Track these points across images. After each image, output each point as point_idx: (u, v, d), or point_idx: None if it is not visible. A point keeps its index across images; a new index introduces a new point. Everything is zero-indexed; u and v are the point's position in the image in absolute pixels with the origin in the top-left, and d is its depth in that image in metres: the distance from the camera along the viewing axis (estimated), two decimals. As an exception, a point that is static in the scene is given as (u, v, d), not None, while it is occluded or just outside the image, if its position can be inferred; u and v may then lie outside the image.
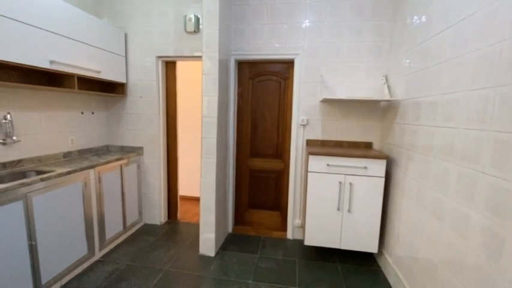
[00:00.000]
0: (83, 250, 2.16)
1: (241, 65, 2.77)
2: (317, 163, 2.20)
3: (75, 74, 2.16)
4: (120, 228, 2.62)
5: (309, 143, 2.63)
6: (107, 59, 2.53)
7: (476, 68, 1.24)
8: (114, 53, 2.64)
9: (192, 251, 2.49)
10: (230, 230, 2.93)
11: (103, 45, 2.47)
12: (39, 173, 1.96)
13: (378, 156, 2.12)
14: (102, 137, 2.93)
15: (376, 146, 2.55)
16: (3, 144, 1.89)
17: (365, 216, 2.19)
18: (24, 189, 1.64)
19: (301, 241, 2.72)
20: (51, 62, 1.93)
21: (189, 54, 2.76)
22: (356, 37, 2.46)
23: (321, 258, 2.42)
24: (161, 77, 2.90)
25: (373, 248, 2.22)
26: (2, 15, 1.60)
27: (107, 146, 2.99)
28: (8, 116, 1.86)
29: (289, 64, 2.68)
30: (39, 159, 2.16)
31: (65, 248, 1.97)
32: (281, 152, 2.82)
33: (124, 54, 2.80)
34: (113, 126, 2.98)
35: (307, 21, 2.52)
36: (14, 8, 1.67)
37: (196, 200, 3.88)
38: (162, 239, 2.72)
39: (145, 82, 2.86)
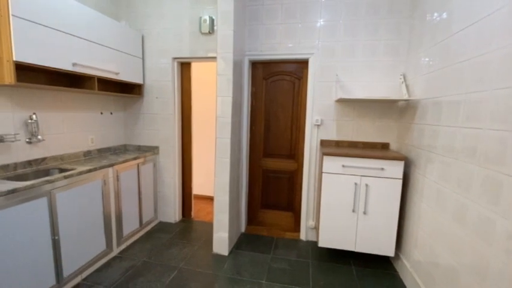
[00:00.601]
0: (102, 246, 2.23)
1: (255, 65, 2.78)
2: (332, 164, 2.17)
3: (96, 75, 2.24)
4: (137, 225, 2.70)
5: (323, 143, 2.60)
6: (125, 60, 2.61)
7: (501, 66, 1.19)
8: (132, 55, 2.71)
9: (205, 250, 2.52)
10: (243, 229, 2.94)
11: (121, 47, 2.54)
12: (61, 170, 2.04)
13: (396, 157, 2.07)
14: (120, 136, 3.02)
15: (393, 146, 2.49)
16: (29, 143, 1.98)
17: (381, 218, 2.14)
18: (48, 186, 1.71)
19: (315, 242, 2.69)
20: (74, 64, 2.02)
21: (203, 55, 2.80)
22: (372, 35, 2.41)
23: (335, 260, 2.39)
24: (176, 77, 2.96)
25: (389, 251, 2.16)
26: (30, 21, 1.69)
27: (125, 145, 3.07)
28: (34, 116, 1.96)
29: (303, 64, 2.66)
30: (61, 158, 2.26)
31: (85, 244, 2.04)
32: (294, 153, 2.80)
33: (141, 56, 2.88)
34: (130, 126, 3.07)
35: (321, 20, 2.50)
36: (41, 14, 1.76)
37: (209, 199, 3.93)
38: (176, 237, 2.77)
39: (161, 83, 2.93)
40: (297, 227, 2.87)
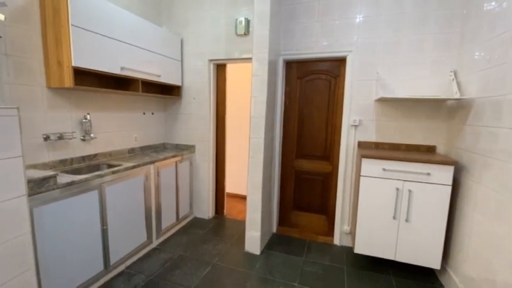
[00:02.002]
0: (143, 237, 2.38)
1: (290, 64, 2.75)
2: (371, 167, 2.06)
3: (140, 78, 2.40)
4: (174, 219, 2.83)
5: (361, 145, 2.48)
6: (166, 63, 2.76)
7: None
8: (172, 58, 2.85)
9: (238, 248, 2.56)
10: (274, 230, 2.93)
11: (163, 51, 2.69)
12: (110, 166, 2.23)
13: (445, 161, 1.90)
14: (160, 135, 3.20)
15: (440, 149, 2.28)
16: (83, 140, 2.19)
17: (426, 227, 1.98)
18: (99, 180, 1.88)
19: (350, 248, 2.59)
20: (122, 68, 2.18)
21: (238, 57, 2.84)
22: (419, 29, 2.23)
23: (373, 268, 2.26)
24: (212, 79, 3.04)
25: (435, 263, 1.99)
26: (86, 29, 1.86)
27: (164, 144, 3.25)
28: (88, 116, 2.16)
29: (340, 62, 2.56)
30: (109, 154, 2.46)
31: (128, 234, 2.20)
32: (329, 154, 2.72)
33: (180, 59, 3.01)
34: (169, 126, 3.23)
35: (361, 16, 2.38)
36: (95, 23, 1.93)
37: (241, 197, 3.98)
38: (210, 233, 2.85)
39: (198, 84, 3.04)
40: (330, 231, 2.78)
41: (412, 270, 2.23)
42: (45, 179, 1.51)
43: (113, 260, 2.05)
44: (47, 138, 1.90)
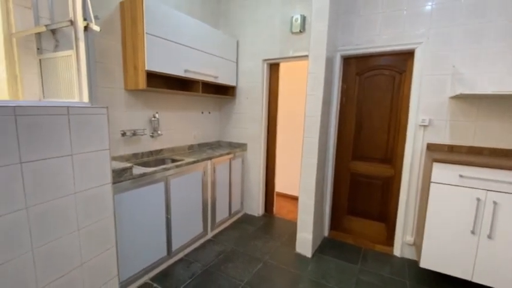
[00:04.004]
0: (199, 229, 2.54)
1: (347, 60, 2.61)
2: (445, 173, 1.82)
3: (200, 80, 2.56)
4: (226, 214, 2.96)
5: (431, 147, 2.21)
6: (223, 65, 2.88)
7: None
8: (228, 60, 2.97)
9: (288, 248, 2.54)
10: (326, 233, 2.82)
11: (220, 54, 2.82)
12: (173, 160, 2.43)
13: (546, 170, 1.57)
14: (215, 133, 3.37)
15: (538, 156, 1.90)
16: (152, 136, 2.43)
17: (517, 247, 1.66)
18: (165, 173, 2.06)
19: (413, 261, 2.34)
20: (186, 70, 2.35)
21: (292, 55, 2.81)
22: (510, 14, 1.88)
23: (440, 287, 2.01)
24: (265, 78, 3.07)
25: (528, 292, 1.66)
26: (157, 36, 2.06)
27: (218, 141, 3.41)
28: (156, 115, 2.39)
29: (406, 55, 2.33)
30: (172, 150, 2.69)
31: (187, 225, 2.37)
32: (391, 157, 2.49)
33: (235, 60, 3.12)
34: (223, 124, 3.38)
35: (433, 3, 2.12)
36: (164, 29, 2.12)
37: (290, 197, 3.95)
38: (260, 230, 2.89)
39: (251, 84, 3.10)
40: (389, 241, 2.55)
41: (495, 295, 1.90)
42: (124, 170, 1.72)
43: (174, 247, 2.24)
44: (123, 134, 2.17)
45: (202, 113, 3.10)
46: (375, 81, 2.51)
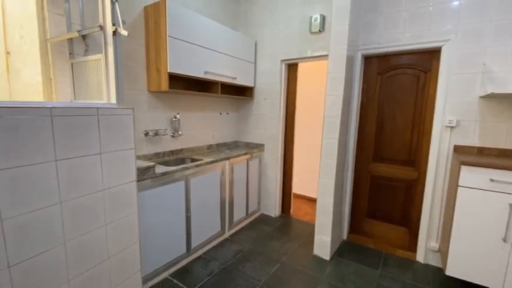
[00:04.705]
0: (217, 227, 2.58)
1: (369, 59, 2.54)
2: (474, 176, 1.73)
3: (219, 81, 2.60)
4: (243, 214, 2.98)
5: (459, 149, 2.11)
6: (241, 66, 2.91)
7: None
8: (246, 61, 2.99)
9: (305, 249, 2.52)
10: (345, 236, 2.77)
11: (239, 55, 2.84)
12: (192, 160, 2.48)
13: None
14: (233, 133, 3.40)
15: None
16: (173, 136, 2.50)
17: (556, 258, 1.55)
18: (185, 172, 2.11)
19: (437, 268, 2.24)
20: (206, 72, 2.40)
21: (311, 55, 2.78)
22: (550, 6, 1.76)
23: (469, 297, 1.91)
24: (283, 79, 3.06)
25: None
26: (179, 39, 2.12)
27: (236, 142, 3.45)
28: (177, 116, 2.46)
29: (432, 54, 2.24)
30: (192, 149, 2.75)
31: (206, 223, 2.41)
32: (414, 158, 2.40)
33: (253, 61, 3.14)
34: (241, 125, 3.41)
35: (463, -3, 2.02)
36: (185, 32, 2.18)
37: (307, 199, 3.91)
38: (277, 231, 2.89)
39: (269, 85, 3.11)
40: (412, 246, 2.46)
41: (530, 309, 1.78)
42: (147, 168, 1.78)
43: (193, 245, 2.29)
44: (146, 134, 2.25)
45: (221, 113, 3.15)
46: (397, 80, 2.44)
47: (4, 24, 1.76)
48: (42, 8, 1.58)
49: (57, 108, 1.11)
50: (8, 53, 1.80)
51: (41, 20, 1.59)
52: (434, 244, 2.28)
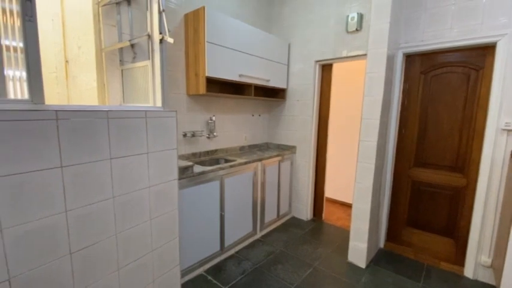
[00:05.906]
0: (249, 228, 2.61)
1: (410, 58, 2.40)
2: (538, 185, 1.54)
3: (253, 83, 2.64)
4: (275, 215, 2.98)
5: (517, 155, 1.90)
6: (274, 68, 2.92)
7: None
8: (279, 63, 3.00)
9: (340, 256, 2.44)
10: (382, 245, 2.63)
11: (272, 57, 2.86)
12: (226, 161, 2.55)
13: None
14: (264, 135, 3.43)
15: None
16: (208, 137, 2.60)
17: None
18: (220, 172, 2.18)
19: (489, 286, 2.04)
20: (240, 75, 2.46)
21: (347, 55, 2.70)
22: None
23: (530, 321, 1.70)
24: (317, 80, 3.02)
25: None
26: (216, 44, 2.20)
27: (267, 143, 3.47)
28: (213, 118, 2.55)
29: (485, 50, 2.04)
30: (225, 150, 2.82)
31: (238, 223, 2.46)
32: (463, 164, 2.21)
33: (286, 63, 3.13)
34: (272, 127, 3.42)
35: (525, -14, 1.82)
36: (222, 37, 2.25)
37: (339, 203, 3.79)
38: (309, 235, 2.84)
39: (302, 86, 3.08)
40: (459, 259, 2.26)
41: None
42: (186, 168, 1.87)
43: (227, 243, 2.34)
44: (185, 135, 2.36)
45: (253, 115, 3.19)
46: (443, 79, 2.27)
47: (64, 36, 1.98)
48: (99, 21, 1.75)
49: (112, 111, 1.22)
50: (66, 61, 2.02)
51: (98, 32, 1.77)
52: (486, 259, 2.07)
